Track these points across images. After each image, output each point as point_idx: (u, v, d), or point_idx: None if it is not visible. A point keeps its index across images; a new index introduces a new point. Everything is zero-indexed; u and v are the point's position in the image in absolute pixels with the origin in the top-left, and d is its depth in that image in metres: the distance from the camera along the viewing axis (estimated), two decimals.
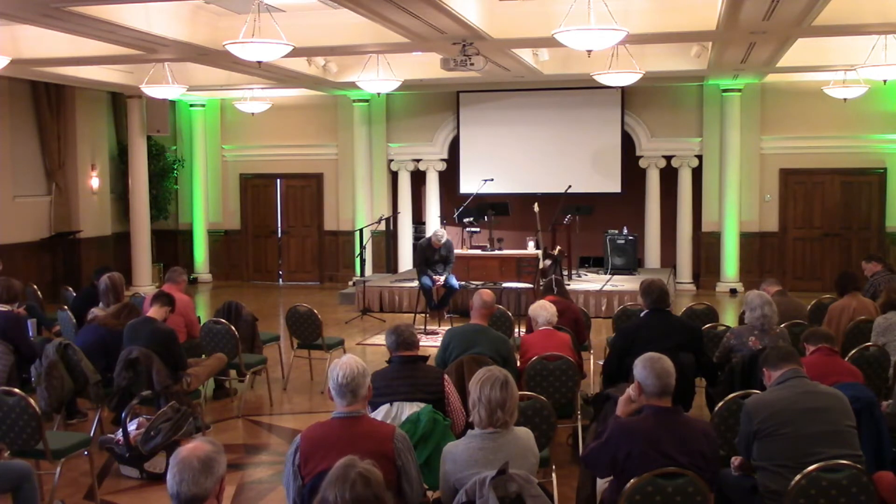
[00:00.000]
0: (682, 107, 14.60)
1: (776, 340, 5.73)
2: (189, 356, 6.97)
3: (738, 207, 14.27)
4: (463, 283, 11.64)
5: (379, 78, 11.35)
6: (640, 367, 3.93)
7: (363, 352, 10.03)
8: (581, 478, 4.85)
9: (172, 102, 15.72)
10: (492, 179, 13.83)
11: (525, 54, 10.94)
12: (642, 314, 6.15)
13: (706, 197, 14.58)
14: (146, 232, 14.93)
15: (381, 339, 9.31)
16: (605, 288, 12.47)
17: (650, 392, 3.88)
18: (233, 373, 7.92)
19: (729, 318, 11.03)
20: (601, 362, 6.78)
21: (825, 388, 4.25)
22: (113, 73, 12.66)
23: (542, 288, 8.30)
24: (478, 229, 12.96)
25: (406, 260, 15.36)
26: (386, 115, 15.56)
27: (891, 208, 13.96)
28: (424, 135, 15.50)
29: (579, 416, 6.19)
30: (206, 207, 16.27)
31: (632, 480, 3.65)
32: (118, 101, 15.19)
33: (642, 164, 14.72)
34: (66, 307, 8.30)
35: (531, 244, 12.33)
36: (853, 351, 6.08)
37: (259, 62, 8.44)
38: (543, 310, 6.37)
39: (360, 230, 13.76)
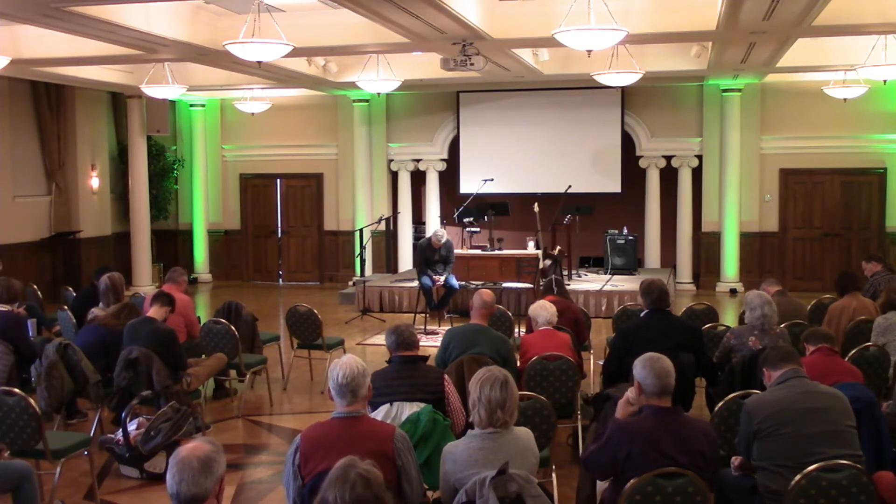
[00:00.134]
0: (682, 107, 14.60)
1: (776, 340, 5.73)
2: (189, 356, 6.97)
3: (738, 207, 14.27)
4: (463, 283, 11.64)
5: (379, 78, 11.35)
6: (639, 366, 3.93)
7: (363, 352, 10.03)
8: (581, 478, 4.85)
9: (172, 102, 15.72)
10: (492, 179, 13.83)
11: (525, 54, 10.94)
12: (642, 314, 6.15)
13: (706, 197, 14.58)
14: (146, 232, 14.93)
15: (381, 339, 9.31)
16: (605, 288, 12.47)
17: (650, 392, 3.88)
18: (233, 373, 7.92)
19: (729, 318, 11.03)
20: (601, 362, 6.78)
21: (825, 388, 4.25)
22: (113, 73, 12.66)
23: (542, 288, 8.30)
24: (478, 229, 12.96)
25: (406, 260, 15.36)
26: (386, 115, 15.56)
27: (891, 208, 13.96)
28: (424, 135, 15.50)
29: (579, 416, 6.19)
30: (206, 207, 16.28)
31: (632, 480, 3.65)
32: (118, 101, 15.19)
33: (642, 164, 14.72)
34: (66, 307, 8.30)
35: (531, 244, 12.32)
36: (853, 351, 6.08)
37: (259, 62, 8.44)
38: (543, 310, 6.37)
39: (360, 230, 13.76)
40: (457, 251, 11.95)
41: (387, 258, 15.71)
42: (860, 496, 3.75)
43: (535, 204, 12.50)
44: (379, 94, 13.89)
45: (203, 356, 7.44)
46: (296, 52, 8.85)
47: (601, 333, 9.76)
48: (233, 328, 7.47)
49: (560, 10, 7.89)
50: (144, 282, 14.57)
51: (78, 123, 14.35)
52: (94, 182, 14.77)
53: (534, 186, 14.40)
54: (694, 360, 5.81)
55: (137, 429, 6.00)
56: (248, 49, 7.92)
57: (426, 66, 12.00)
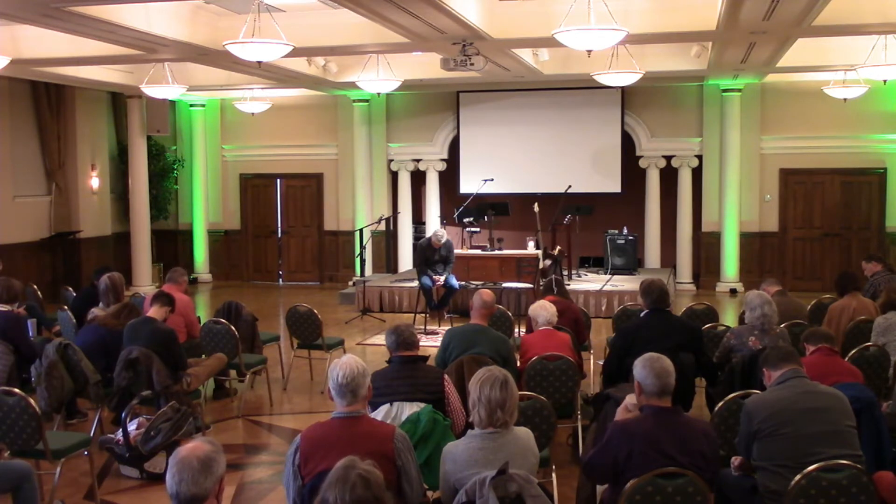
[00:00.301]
0: (682, 107, 14.60)
1: (776, 340, 5.73)
2: (189, 356, 6.97)
3: (738, 207, 14.27)
4: (463, 283, 11.64)
5: (379, 78, 11.35)
6: (639, 366, 3.93)
7: (363, 352, 10.03)
8: (581, 478, 4.85)
9: (172, 102, 15.72)
10: (492, 179, 13.83)
11: (525, 54, 10.93)
12: (642, 314, 6.15)
13: (706, 197, 14.58)
14: (146, 232, 14.93)
15: (381, 339, 9.31)
16: (605, 288, 12.47)
17: (650, 392, 3.88)
18: (233, 373, 7.92)
19: (729, 318, 11.03)
20: (601, 362, 6.78)
21: (825, 389, 4.25)
22: (113, 73, 12.66)
23: (542, 288, 8.30)
24: (478, 229, 12.96)
25: (406, 260, 15.36)
26: (386, 115, 15.56)
27: (891, 208, 13.96)
28: (424, 135, 15.50)
29: (579, 416, 6.19)
30: (206, 207, 16.27)
31: (632, 480, 3.65)
32: (118, 101, 15.19)
33: (642, 164, 14.72)
34: (66, 307, 8.30)
35: (531, 244, 12.32)
36: (853, 351, 6.08)
37: (259, 62, 8.44)
38: (543, 310, 6.37)
39: (360, 230, 13.76)
40: (457, 251, 11.95)
41: (387, 258, 15.71)
42: (860, 496, 3.75)
43: (535, 204, 12.50)
44: (379, 94, 13.89)
45: (203, 356, 7.44)
46: (296, 52, 8.85)
47: (601, 333, 9.76)
48: (233, 328, 7.47)
49: (560, 10, 7.89)
50: (144, 282, 14.57)
51: (78, 123, 14.35)
52: (94, 182, 14.77)
53: (534, 186, 14.40)
54: (694, 360, 5.81)
55: (137, 429, 6.00)
56: (248, 49, 7.92)
57: (426, 66, 12.00)
